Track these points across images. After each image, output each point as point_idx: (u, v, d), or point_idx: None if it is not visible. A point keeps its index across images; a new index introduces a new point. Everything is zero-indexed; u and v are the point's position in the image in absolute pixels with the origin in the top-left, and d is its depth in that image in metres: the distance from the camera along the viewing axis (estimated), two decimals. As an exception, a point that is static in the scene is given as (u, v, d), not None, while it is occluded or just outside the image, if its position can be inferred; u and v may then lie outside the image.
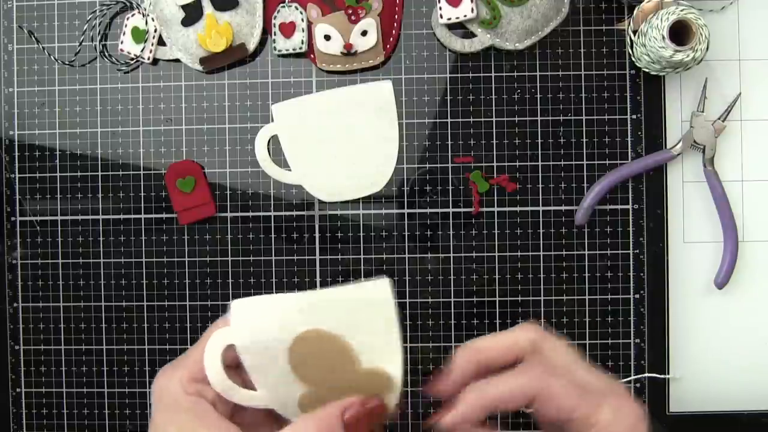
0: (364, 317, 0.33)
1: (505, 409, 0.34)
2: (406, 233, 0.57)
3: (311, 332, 0.33)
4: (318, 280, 0.57)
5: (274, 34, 0.56)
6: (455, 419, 0.33)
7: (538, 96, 0.56)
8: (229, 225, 0.57)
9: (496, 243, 0.57)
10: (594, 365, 0.36)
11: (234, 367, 0.34)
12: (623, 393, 0.34)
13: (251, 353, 0.33)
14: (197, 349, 0.35)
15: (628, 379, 0.56)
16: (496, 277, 0.56)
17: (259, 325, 0.33)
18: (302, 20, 0.55)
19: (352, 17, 0.55)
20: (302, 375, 0.33)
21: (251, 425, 0.35)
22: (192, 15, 0.55)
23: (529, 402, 0.33)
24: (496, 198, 0.57)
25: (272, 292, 0.57)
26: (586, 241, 0.56)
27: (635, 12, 0.54)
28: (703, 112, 0.56)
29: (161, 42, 0.57)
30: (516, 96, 0.56)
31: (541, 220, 0.56)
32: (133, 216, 0.58)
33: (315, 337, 0.33)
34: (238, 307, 0.34)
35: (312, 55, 0.56)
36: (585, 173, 0.56)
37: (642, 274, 0.56)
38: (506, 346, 0.35)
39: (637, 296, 0.56)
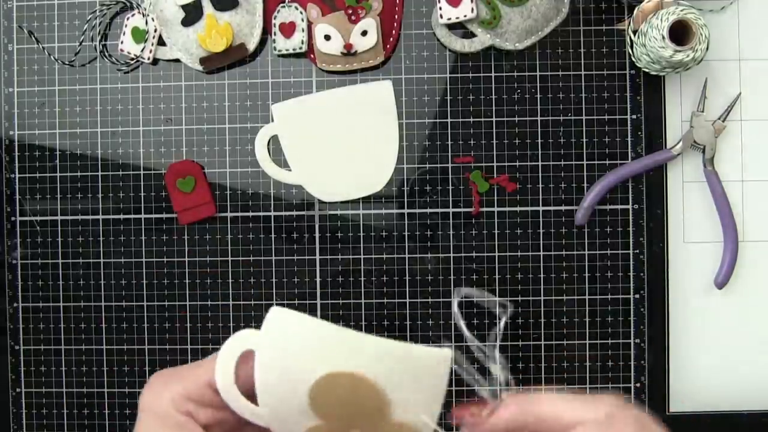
0: (412, 380, 0.30)
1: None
2: (406, 233, 0.57)
3: (347, 374, 0.30)
4: (318, 280, 0.57)
5: (274, 34, 0.56)
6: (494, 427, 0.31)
7: (538, 96, 0.56)
8: (229, 225, 0.57)
9: (496, 243, 0.57)
10: None
11: (241, 380, 0.32)
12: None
13: (271, 370, 0.31)
14: (198, 367, 0.32)
15: (628, 385, 0.56)
16: (496, 277, 0.56)
17: (293, 344, 0.30)
18: (302, 20, 0.55)
19: (352, 17, 0.55)
20: (320, 410, 0.30)
21: None
22: (192, 15, 0.55)
23: None
24: (496, 198, 0.57)
25: (272, 292, 0.57)
26: (586, 241, 0.56)
27: (635, 12, 0.54)
28: (703, 112, 0.56)
29: (161, 42, 0.57)
30: (516, 96, 0.56)
31: (541, 220, 0.56)
32: (133, 216, 0.58)
33: (350, 379, 0.30)
34: (277, 316, 0.31)
35: (312, 55, 0.56)
36: (585, 173, 0.56)
37: (642, 274, 0.56)
38: (572, 421, 0.30)
39: (637, 296, 0.56)
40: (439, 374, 0.31)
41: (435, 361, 0.30)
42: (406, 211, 0.57)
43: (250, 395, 0.32)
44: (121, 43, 0.56)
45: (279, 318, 0.31)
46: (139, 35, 0.56)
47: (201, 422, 0.31)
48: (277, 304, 0.33)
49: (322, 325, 0.30)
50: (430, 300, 0.56)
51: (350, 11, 0.55)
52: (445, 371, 0.31)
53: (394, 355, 0.30)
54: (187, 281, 0.57)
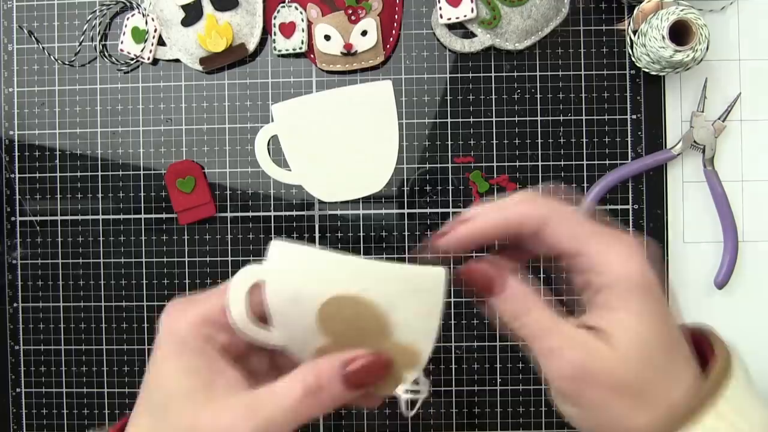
0: (410, 300, 0.32)
1: (514, 234, 0.32)
2: (406, 233, 0.57)
3: (350, 296, 0.31)
4: (318, 280, 0.57)
5: (274, 34, 0.56)
6: (460, 240, 0.31)
7: (538, 96, 0.56)
8: (229, 225, 0.57)
9: (496, 243, 0.56)
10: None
11: (253, 309, 0.33)
12: (634, 244, 0.31)
13: (279, 297, 0.32)
14: (217, 292, 0.33)
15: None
16: (496, 277, 0.56)
17: (297, 273, 0.32)
18: (302, 20, 0.55)
19: (352, 17, 0.55)
20: (328, 330, 0.32)
21: (254, 374, 0.33)
22: (192, 15, 0.55)
23: (539, 227, 0.31)
24: (496, 198, 0.57)
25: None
26: (586, 241, 0.56)
27: (635, 12, 0.54)
28: (703, 112, 0.56)
29: (161, 42, 0.57)
30: (516, 96, 0.56)
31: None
32: (133, 216, 0.58)
33: (352, 302, 0.31)
34: (280, 248, 0.32)
35: (312, 55, 0.56)
36: (585, 173, 0.56)
37: (642, 274, 0.56)
38: (509, 225, 0.31)
39: (637, 296, 0.56)
40: (435, 292, 0.32)
41: (431, 278, 0.32)
42: (406, 211, 0.57)
43: (262, 321, 0.33)
44: (121, 43, 0.56)
45: (281, 250, 0.32)
46: (139, 35, 0.56)
47: (217, 346, 0.32)
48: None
49: (322, 254, 0.32)
50: (430, 300, 0.56)
51: (350, 11, 0.55)
52: (440, 288, 0.32)
53: (393, 276, 0.32)
54: (187, 281, 0.57)
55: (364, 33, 0.55)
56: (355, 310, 0.32)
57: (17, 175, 0.58)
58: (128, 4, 0.57)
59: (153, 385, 0.31)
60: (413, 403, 0.33)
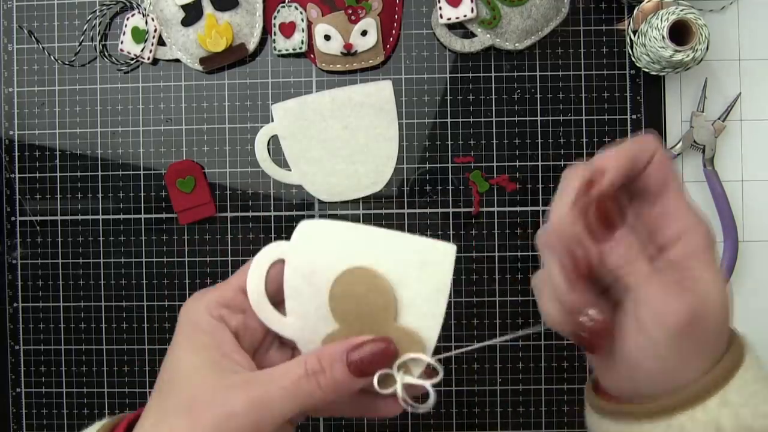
0: (418, 274, 0.32)
1: (632, 174, 0.29)
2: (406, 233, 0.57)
3: (362, 268, 0.32)
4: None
5: (274, 34, 0.56)
6: (613, 181, 0.28)
7: (538, 96, 0.56)
8: (229, 225, 0.57)
9: (496, 243, 0.57)
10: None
11: (271, 293, 0.33)
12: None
13: (298, 273, 0.32)
14: (237, 275, 0.33)
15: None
16: (496, 277, 0.56)
17: (318, 247, 0.32)
18: (302, 20, 0.55)
19: (352, 17, 0.55)
20: (338, 310, 0.32)
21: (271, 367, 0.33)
22: (192, 15, 0.55)
23: (648, 160, 0.29)
24: (496, 198, 0.57)
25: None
26: (586, 241, 0.56)
27: (635, 12, 0.54)
28: (703, 112, 0.56)
29: (161, 42, 0.57)
30: (516, 96, 0.56)
31: (541, 220, 0.56)
32: (133, 216, 0.58)
33: (364, 274, 0.32)
34: (307, 226, 0.33)
35: (312, 55, 0.56)
36: (585, 173, 0.56)
37: (642, 274, 0.56)
38: (636, 159, 0.29)
39: (637, 296, 0.56)
40: (443, 267, 0.32)
41: (440, 252, 0.32)
42: (406, 211, 0.57)
43: (279, 309, 0.33)
44: (121, 43, 0.56)
45: (308, 228, 0.33)
46: (139, 35, 0.56)
47: (232, 327, 0.32)
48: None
49: (344, 226, 0.32)
50: (430, 300, 0.56)
51: (350, 11, 0.55)
52: (449, 264, 0.32)
53: (402, 247, 0.32)
54: (187, 281, 0.57)
55: (364, 33, 0.55)
56: (365, 284, 0.32)
57: (17, 175, 0.58)
58: (128, 4, 0.57)
59: (165, 366, 0.32)
60: (424, 397, 0.32)
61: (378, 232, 0.32)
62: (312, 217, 0.57)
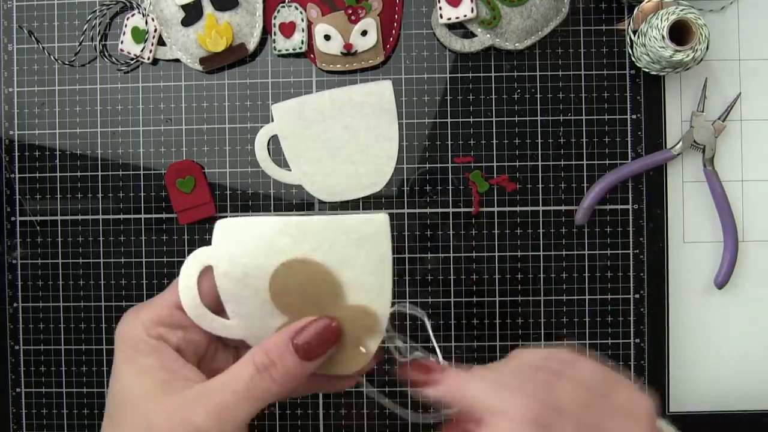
0: (357, 252, 0.31)
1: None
2: (406, 233, 0.57)
3: (298, 260, 0.31)
4: (318, 280, 0.57)
5: (274, 34, 0.56)
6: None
7: (538, 96, 0.56)
8: (229, 225, 0.57)
9: (496, 243, 0.57)
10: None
11: (207, 299, 0.33)
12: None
13: (230, 278, 0.31)
14: (170, 290, 0.33)
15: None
16: (496, 277, 0.56)
17: (243, 248, 0.31)
18: (302, 20, 0.55)
19: (352, 17, 0.55)
20: (282, 305, 0.31)
21: (219, 371, 0.33)
22: (192, 15, 0.55)
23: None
24: (496, 198, 0.57)
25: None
26: (586, 241, 0.56)
27: (635, 12, 0.54)
28: (703, 112, 0.56)
29: (161, 42, 0.57)
30: (516, 96, 0.56)
31: (541, 220, 0.56)
32: (133, 216, 0.58)
33: (301, 265, 0.31)
34: (223, 226, 0.32)
35: (312, 55, 0.56)
36: (585, 173, 0.56)
37: (642, 274, 0.56)
38: (492, 410, 0.31)
39: (637, 296, 0.56)
40: (379, 240, 0.32)
41: (374, 225, 0.32)
42: (406, 211, 0.57)
43: (219, 314, 0.32)
44: (121, 43, 0.56)
45: (225, 228, 0.32)
46: (139, 35, 0.56)
47: (173, 345, 0.31)
48: (220, 218, 0.34)
49: (265, 222, 0.31)
50: (430, 300, 0.56)
51: (350, 11, 0.55)
52: (385, 234, 0.32)
53: (334, 229, 0.31)
54: (187, 281, 0.57)
55: (364, 33, 0.55)
56: (305, 275, 0.31)
57: (17, 175, 0.58)
58: (128, 4, 0.57)
59: (113, 392, 0.31)
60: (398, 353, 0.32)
61: (301, 219, 0.31)
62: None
